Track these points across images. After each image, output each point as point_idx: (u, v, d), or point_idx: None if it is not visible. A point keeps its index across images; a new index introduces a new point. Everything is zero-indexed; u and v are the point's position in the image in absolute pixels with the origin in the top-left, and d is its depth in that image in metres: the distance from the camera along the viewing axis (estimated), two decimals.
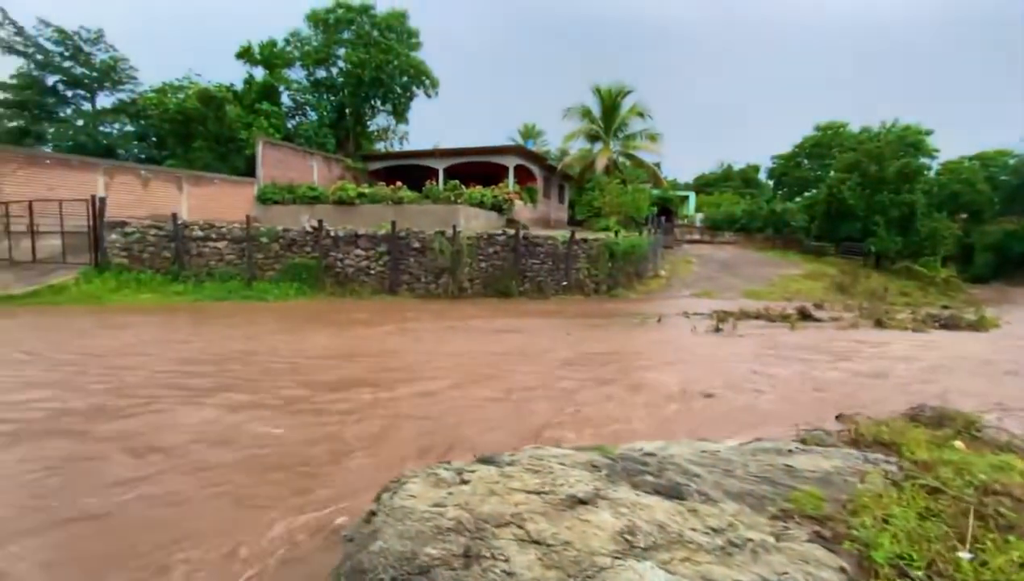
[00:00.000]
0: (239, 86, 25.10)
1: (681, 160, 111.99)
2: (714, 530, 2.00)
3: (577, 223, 26.75)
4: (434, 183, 22.18)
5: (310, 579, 2.40)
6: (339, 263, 15.77)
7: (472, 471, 2.54)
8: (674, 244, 27.93)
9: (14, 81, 26.95)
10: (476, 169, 25.60)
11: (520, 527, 1.96)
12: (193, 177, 20.25)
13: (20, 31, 26.66)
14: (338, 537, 2.56)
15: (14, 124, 26.37)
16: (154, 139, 27.44)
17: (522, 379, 6.02)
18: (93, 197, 14.58)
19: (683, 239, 30.76)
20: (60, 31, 27.07)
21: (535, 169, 27.37)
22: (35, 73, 27.37)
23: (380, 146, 30.13)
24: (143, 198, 18.35)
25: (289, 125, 26.11)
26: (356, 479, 3.42)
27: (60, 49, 27.55)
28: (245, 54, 25.56)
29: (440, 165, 25.88)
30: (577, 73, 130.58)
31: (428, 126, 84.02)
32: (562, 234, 17.03)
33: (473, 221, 19.74)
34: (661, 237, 23.19)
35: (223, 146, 22.90)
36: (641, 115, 29.83)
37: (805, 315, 12.75)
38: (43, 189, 16.02)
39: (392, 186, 21.21)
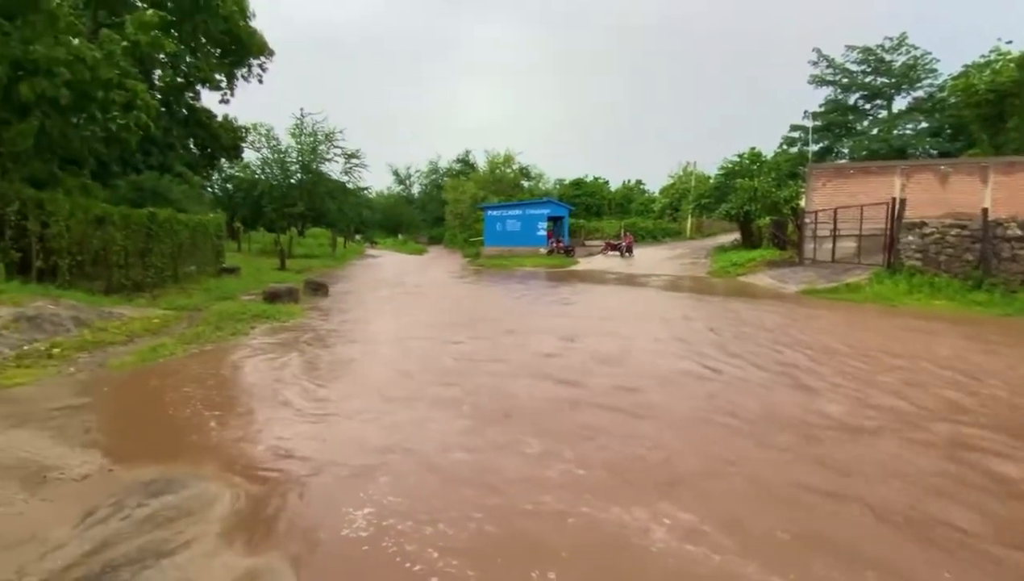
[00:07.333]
0: None
1: None
2: None
3: None
4: None
5: None
6: None
7: None
8: None
9: (822, 109, 31.89)
10: None
11: None
12: (1004, 164, 16.87)
13: (831, 63, 31.06)
14: None
15: (819, 145, 31.33)
16: (948, 131, 25.13)
17: None
18: (893, 200, 14.75)
19: None
20: (865, 49, 29.40)
21: None
22: (839, 97, 31.25)
23: None
24: (939, 196, 17.02)
25: None
26: None
27: (862, 68, 30.01)
28: None
29: None
30: None
31: None
32: None
33: None
34: None
35: None
36: None
37: None
38: (845, 197, 17.88)
39: None
